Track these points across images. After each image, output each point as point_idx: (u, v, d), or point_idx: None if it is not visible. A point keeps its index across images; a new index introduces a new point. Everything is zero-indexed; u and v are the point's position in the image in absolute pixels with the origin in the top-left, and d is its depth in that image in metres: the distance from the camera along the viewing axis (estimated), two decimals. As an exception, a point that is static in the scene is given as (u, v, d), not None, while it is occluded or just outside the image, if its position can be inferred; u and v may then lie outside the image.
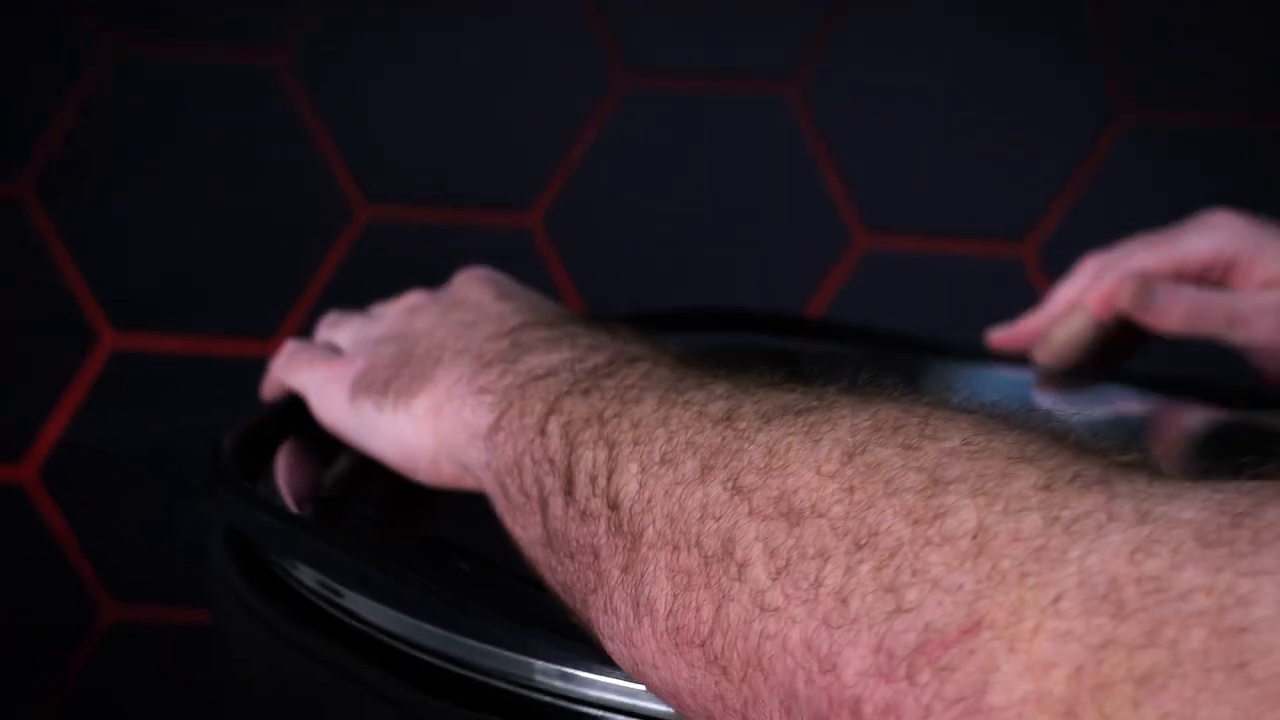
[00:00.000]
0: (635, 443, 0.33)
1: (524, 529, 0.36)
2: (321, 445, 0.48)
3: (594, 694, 0.35)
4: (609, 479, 0.33)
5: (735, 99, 0.75)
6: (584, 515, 0.33)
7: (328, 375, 0.45)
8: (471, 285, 0.46)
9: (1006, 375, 0.62)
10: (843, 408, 0.30)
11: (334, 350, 0.47)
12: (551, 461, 0.35)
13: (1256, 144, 0.76)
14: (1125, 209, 0.76)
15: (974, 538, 0.25)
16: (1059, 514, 0.24)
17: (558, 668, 0.35)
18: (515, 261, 0.74)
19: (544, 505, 0.35)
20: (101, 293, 0.75)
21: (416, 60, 0.75)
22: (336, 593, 0.39)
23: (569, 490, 0.34)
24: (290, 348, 0.48)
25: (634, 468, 0.32)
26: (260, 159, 0.76)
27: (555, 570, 0.34)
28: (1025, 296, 0.74)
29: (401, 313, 0.47)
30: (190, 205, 0.75)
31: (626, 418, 0.34)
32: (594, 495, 0.33)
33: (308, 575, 0.40)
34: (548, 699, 0.35)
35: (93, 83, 0.74)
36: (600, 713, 0.35)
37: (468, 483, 0.41)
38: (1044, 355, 0.59)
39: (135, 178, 0.75)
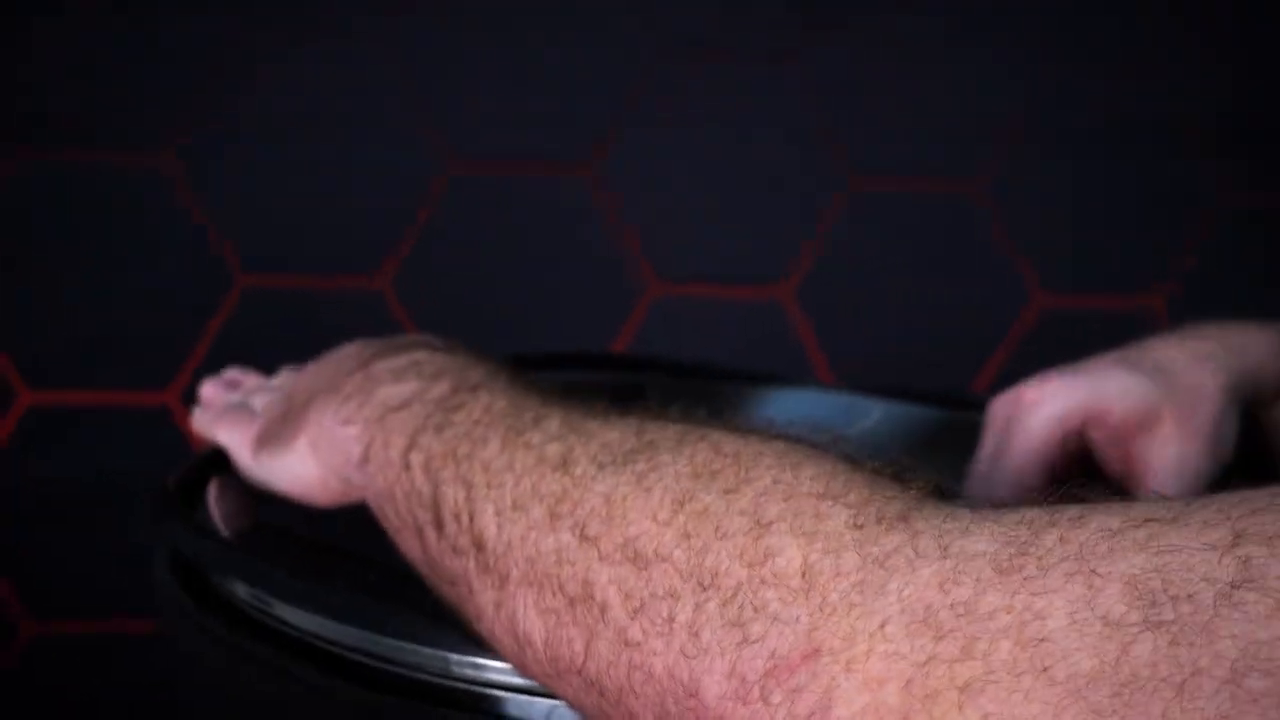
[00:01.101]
0: (489, 485, 0.37)
1: (408, 550, 0.41)
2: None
3: (495, 677, 0.39)
4: (471, 520, 0.37)
5: (543, 179, 0.92)
6: (455, 550, 0.37)
7: (240, 439, 0.53)
8: (348, 344, 0.52)
9: (792, 395, 0.71)
10: (663, 452, 0.33)
11: (248, 409, 0.55)
12: (419, 495, 0.39)
13: (948, 211, 0.95)
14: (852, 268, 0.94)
15: (802, 575, 0.28)
16: (872, 551, 0.27)
17: (467, 658, 0.39)
18: (370, 320, 0.90)
19: (420, 534, 0.39)
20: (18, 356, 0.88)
21: (285, 154, 0.90)
22: (267, 603, 0.45)
23: (439, 525, 0.38)
24: (219, 408, 0.56)
25: (490, 510, 0.36)
26: (145, 242, 0.90)
27: (440, 591, 0.39)
28: (781, 329, 0.91)
29: (288, 379, 0.55)
30: (94, 280, 0.89)
31: (477, 459, 0.38)
32: (460, 532, 0.37)
33: (241, 589, 0.46)
34: (458, 684, 0.40)
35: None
36: (497, 692, 0.39)
37: (354, 497, 0.46)
38: None
39: (46, 261, 0.89)
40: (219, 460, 0.55)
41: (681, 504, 0.31)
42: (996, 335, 0.95)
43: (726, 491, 0.31)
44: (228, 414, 0.55)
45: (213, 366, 0.80)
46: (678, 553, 0.30)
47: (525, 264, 0.92)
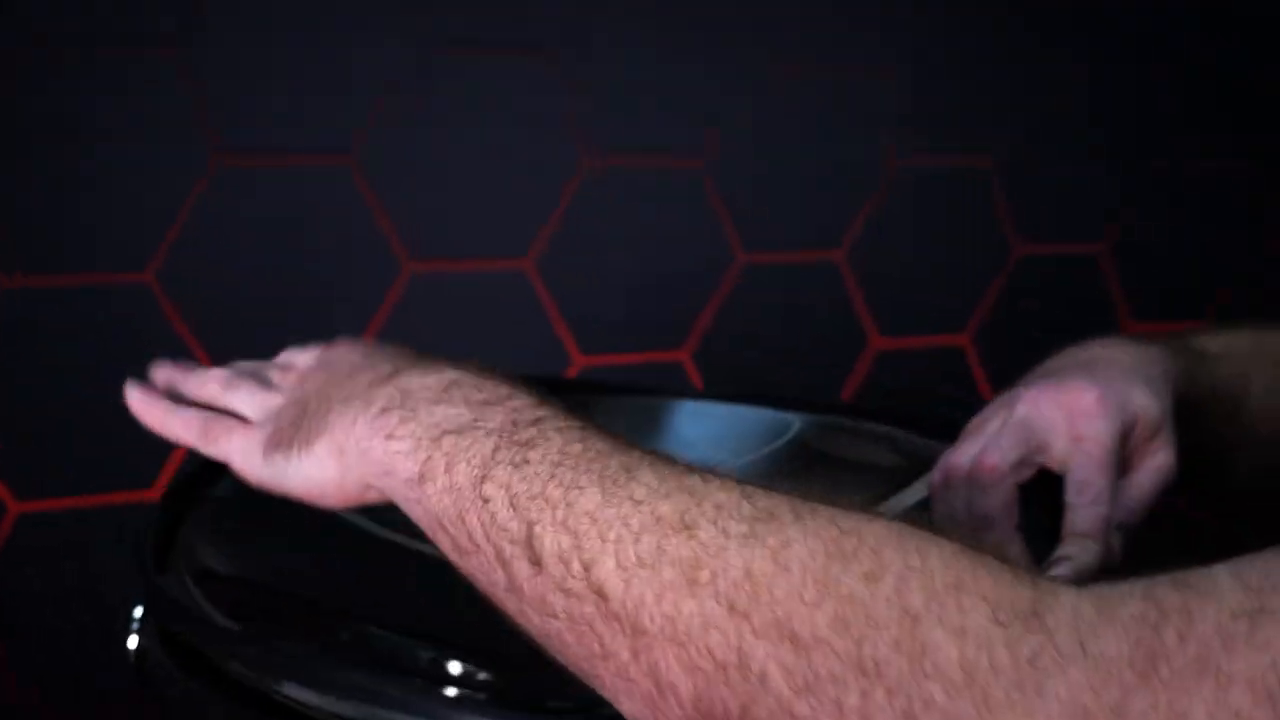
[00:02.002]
0: (601, 538, 0.38)
1: (482, 574, 0.42)
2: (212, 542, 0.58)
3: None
4: (587, 569, 0.38)
5: (304, 169, 0.96)
6: (564, 590, 0.39)
7: (245, 444, 0.53)
8: (342, 348, 0.55)
9: (709, 409, 0.76)
10: (788, 525, 0.36)
11: (239, 418, 0.55)
12: (505, 530, 0.40)
13: (671, 185, 1.07)
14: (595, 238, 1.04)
15: (961, 670, 0.31)
16: (1021, 650, 0.31)
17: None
18: (139, 315, 0.93)
19: (505, 564, 0.41)
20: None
21: (50, 152, 0.90)
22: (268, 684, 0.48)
23: (536, 562, 0.39)
24: (201, 422, 0.55)
25: (610, 563, 0.37)
26: None
27: (531, 620, 0.41)
28: (528, 299, 1.01)
29: (295, 383, 0.55)
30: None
31: (579, 508, 0.39)
32: (571, 577, 0.38)
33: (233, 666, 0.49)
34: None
35: None
36: None
37: (370, 498, 0.49)
38: (1069, 576, 0.55)
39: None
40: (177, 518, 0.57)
41: (826, 587, 0.33)
42: (709, 290, 1.09)
43: (867, 578, 0.33)
44: (219, 425, 0.55)
45: None
46: (835, 639, 0.32)
47: (289, 250, 0.97)
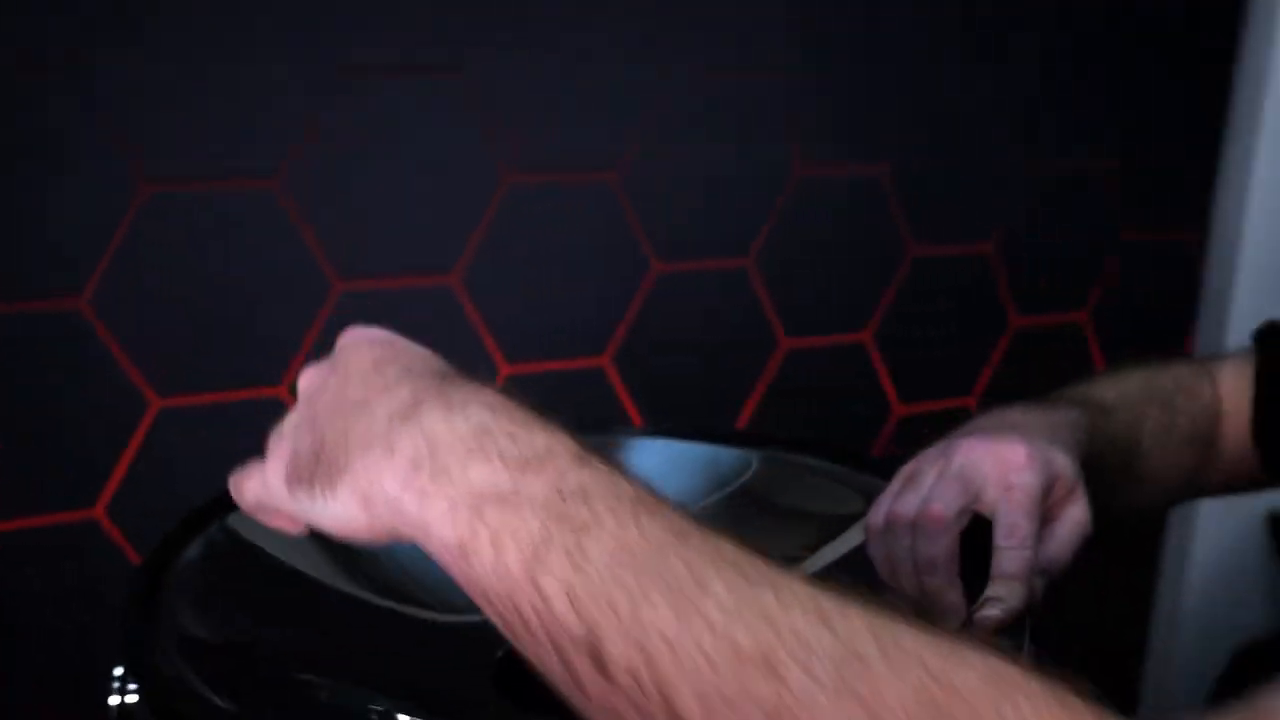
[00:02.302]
0: (677, 664, 0.37)
1: (535, 656, 0.41)
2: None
3: None
4: (663, 693, 0.38)
5: (233, 192, 0.99)
6: (639, 708, 0.38)
7: (265, 475, 0.51)
8: (352, 353, 0.52)
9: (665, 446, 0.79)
10: (878, 673, 0.36)
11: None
12: (565, 628, 0.39)
13: (589, 198, 1.11)
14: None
15: None
16: None
17: None
18: (70, 337, 0.95)
19: (566, 661, 0.40)
20: None
21: None
22: None
23: (602, 669, 0.39)
24: (233, 479, 0.54)
25: (688, 692, 0.37)
26: None
27: (589, 708, 0.40)
28: (454, 312, 1.04)
29: (307, 398, 0.52)
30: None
31: (649, 625, 0.38)
32: (645, 696, 0.38)
33: None
34: None
35: None
36: None
37: (403, 540, 0.46)
38: (999, 619, 0.59)
39: None
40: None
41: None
42: (625, 298, 1.13)
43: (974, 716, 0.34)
44: (243, 470, 0.54)
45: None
46: None
47: (221, 274, 0.99)
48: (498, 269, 1.08)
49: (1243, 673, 0.87)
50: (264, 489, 0.52)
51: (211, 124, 0.97)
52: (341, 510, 0.47)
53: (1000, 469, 0.62)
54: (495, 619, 0.42)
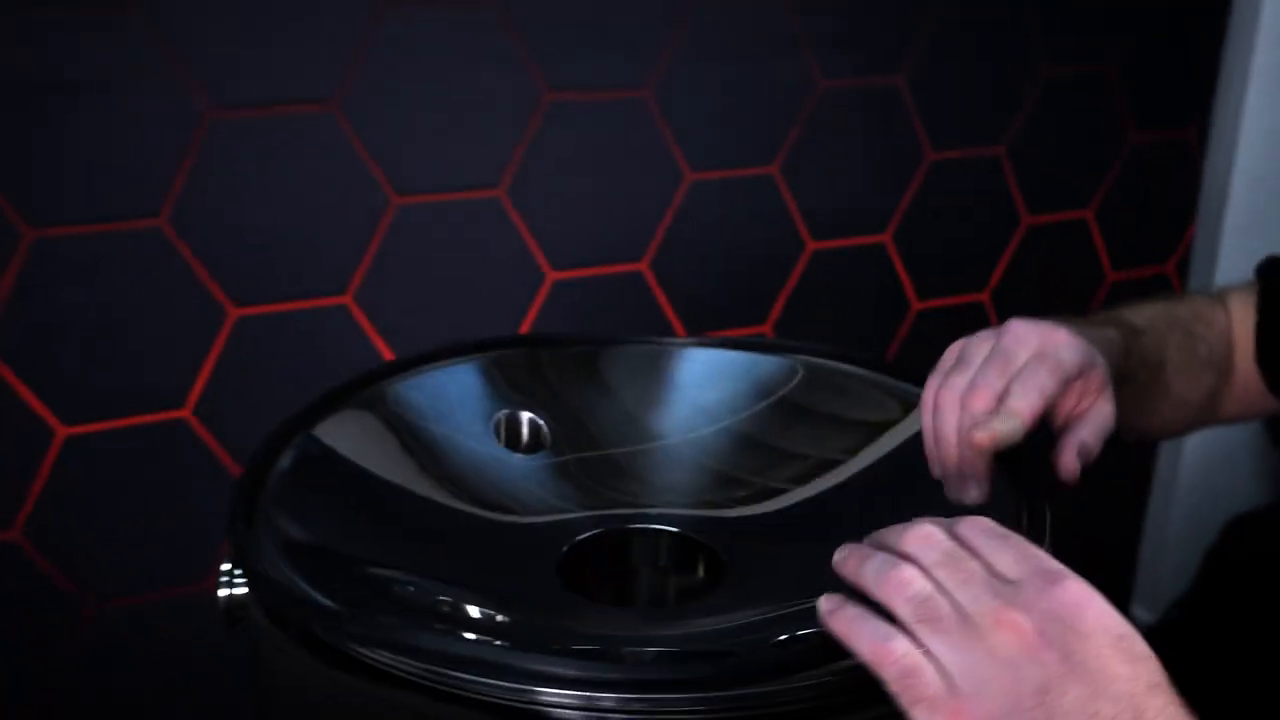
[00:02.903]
0: None
1: None
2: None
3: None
4: None
5: (295, 116, 1.06)
6: None
7: (904, 688, 0.47)
8: (1083, 645, 0.46)
9: (712, 355, 0.81)
10: None
11: (928, 655, 0.47)
12: None
13: (623, 113, 1.18)
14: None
15: None
16: None
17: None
18: (154, 254, 1.02)
19: None
20: None
21: (51, 113, 0.98)
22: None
23: None
24: (882, 646, 0.49)
25: None
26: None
27: None
28: (503, 224, 1.12)
29: (1027, 677, 0.46)
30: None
31: None
32: None
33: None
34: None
35: None
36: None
37: None
38: (984, 441, 0.63)
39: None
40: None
41: None
42: (660, 207, 1.21)
43: None
44: (908, 664, 0.48)
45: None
46: None
47: (284, 192, 1.07)
48: (541, 182, 1.15)
49: (1230, 546, 0.95)
50: (899, 688, 0.48)
51: (274, 53, 1.03)
52: None
53: (1042, 343, 0.66)
54: None
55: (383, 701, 0.51)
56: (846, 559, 0.53)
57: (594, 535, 0.69)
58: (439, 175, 1.12)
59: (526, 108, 1.13)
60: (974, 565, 0.49)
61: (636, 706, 0.49)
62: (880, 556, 0.51)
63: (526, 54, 1.11)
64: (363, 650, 0.52)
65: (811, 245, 1.27)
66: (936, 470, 0.67)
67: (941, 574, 0.49)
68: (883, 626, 0.49)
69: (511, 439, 0.77)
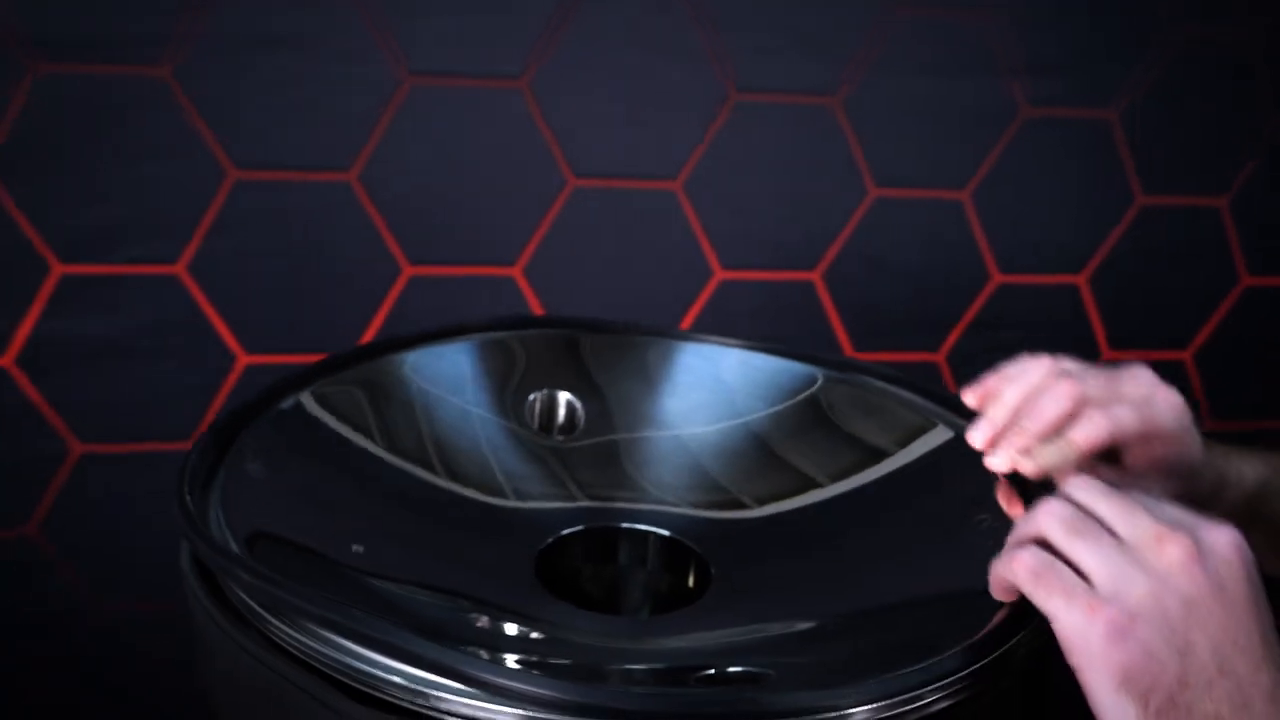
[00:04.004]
0: None
1: None
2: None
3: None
4: None
5: (486, 89, 1.11)
6: None
7: (1093, 633, 0.46)
8: (1234, 578, 0.47)
9: (738, 355, 0.79)
10: None
11: (1079, 575, 0.48)
12: None
13: (808, 118, 1.18)
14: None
15: None
16: None
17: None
18: (340, 205, 1.10)
19: None
20: None
21: (267, 65, 1.07)
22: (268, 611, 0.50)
23: None
24: (1035, 560, 0.49)
25: None
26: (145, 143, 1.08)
27: None
28: (676, 216, 1.14)
29: (1177, 591, 0.47)
30: (104, 175, 1.07)
31: None
32: None
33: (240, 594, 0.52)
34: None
35: None
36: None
37: None
38: (1033, 470, 0.62)
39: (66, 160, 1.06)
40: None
41: None
42: (841, 218, 1.20)
43: None
44: (1059, 580, 0.49)
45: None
46: None
47: (469, 163, 1.12)
48: (719, 180, 1.17)
49: None
50: (1079, 638, 0.48)
51: (469, 25, 1.09)
52: None
53: (1155, 393, 0.64)
54: None
55: (268, 665, 0.49)
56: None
57: (579, 531, 0.66)
58: (617, 162, 1.15)
59: (711, 105, 1.15)
60: (1135, 501, 0.51)
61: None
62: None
63: (716, 51, 1.13)
64: (250, 601, 0.50)
65: (998, 278, 1.23)
66: (978, 438, 0.64)
67: (1102, 506, 0.51)
68: (1027, 546, 0.51)
69: (546, 419, 0.75)
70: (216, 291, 1.11)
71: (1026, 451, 0.62)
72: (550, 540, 0.66)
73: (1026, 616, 0.52)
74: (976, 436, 0.63)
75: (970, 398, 0.65)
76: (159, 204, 1.08)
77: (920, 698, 0.48)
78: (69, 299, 1.09)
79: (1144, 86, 1.20)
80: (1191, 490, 0.66)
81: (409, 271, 1.14)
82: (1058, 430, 0.61)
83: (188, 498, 0.56)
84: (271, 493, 0.62)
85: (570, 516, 0.68)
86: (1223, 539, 0.48)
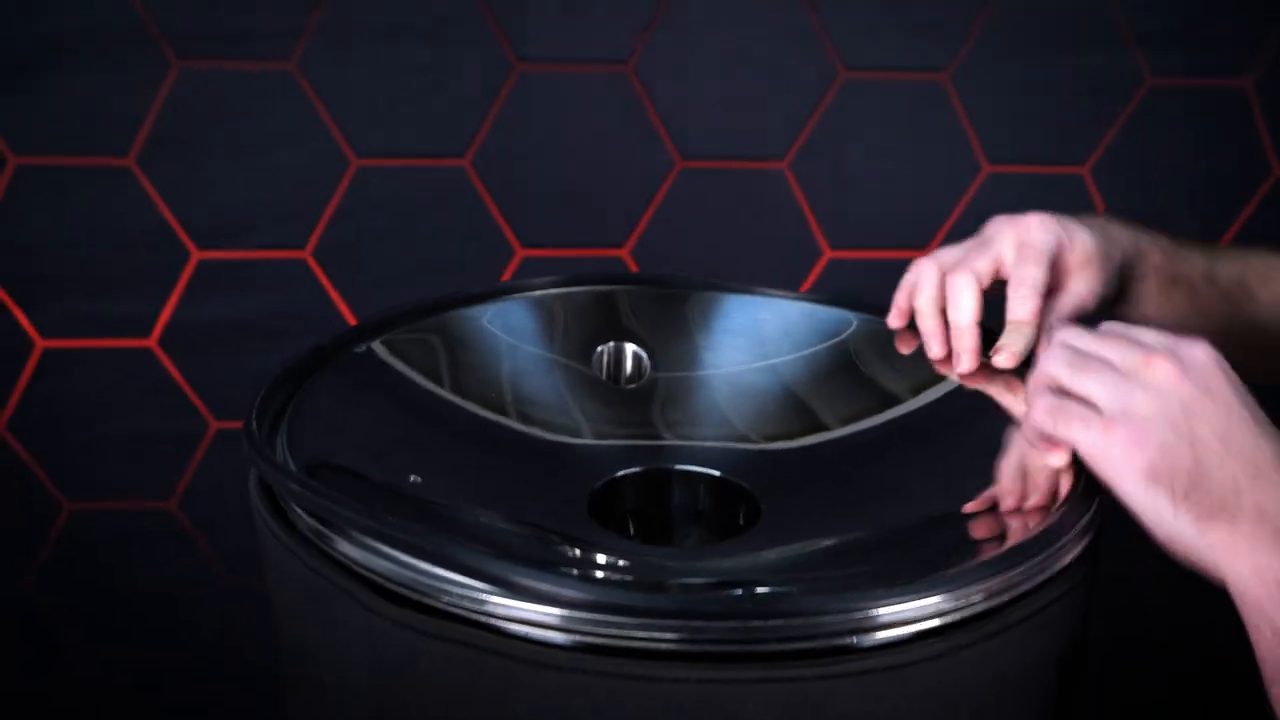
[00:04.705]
0: None
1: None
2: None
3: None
4: None
5: (592, 74, 1.14)
6: None
7: (1114, 447, 0.53)
8: (1216, 380, 0.53)
9: (774, 304, 0.80)
10: None
11: (1087, 403, 0.54)
12: None
13: (918, 95, 1.17)
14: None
15: None
16: None
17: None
18: (455, 190, 1.14)
19: None
20: None
21: (388, 54, 1.12)
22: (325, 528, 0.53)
23: None
24: (1049, 402, 0.56)
25: None
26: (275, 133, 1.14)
27: None
28: (783, 195, 1.14)
29: (1182, 405, 0.53)
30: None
31: None
32: None
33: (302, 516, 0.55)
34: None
35: None
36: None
37: (1206, 570, 0.52)
38: (1007, 362, 0.66)
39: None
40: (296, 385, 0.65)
41: None
42: (953, 196, 1.18)
43: None
44: (1072, 412, 0.55)
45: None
46: None
47: (579, 147, 1.15)
48: (828, 159, 1.17)
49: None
50: (1105, 456, 0.54)
51: (577, 12, 1.12)
52: (1195, 540, 0.52)
53: (1017, 231, 0.69)
54: (1271, 642, 0.52)
55: (322, 575, 0.51)
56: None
57: (633, 473, 0.68)
58: (725, 143, 1.16)
59: (820, 84, 1.15)
60: (1119, 335, 0.57)
61: (580, 626, 0.46)
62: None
63: (824, 30, 1.14)
64: (306, 517, 0.53)
65: (1122, 254, 1.19)
66: (934, 350, 0.70)
67: (1092, 345, 0.57)
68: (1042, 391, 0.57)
69: (613, 370, 0.77)
70: (340, 275, 1.17)
71: (992, 351, 0.67)
72: (604, 481, 0.67)
73: (1070, 523, 0.54)
74: (934, 348, 0.69)
75: (894, 320, 0.73)
76: (287, 191, 1.14)
77: (969, 596, 0.49)
78: (205, 283, 1.16)
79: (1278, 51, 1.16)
80: (1128, 272, 0.73)
81: (521, 254, 1.17)
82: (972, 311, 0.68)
83: (254, 426, 0.59)
84: (337, 428, 0.64)
85: (624, 459, 0.69)
86: (1199, 352, 0.54)
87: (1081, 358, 0.56)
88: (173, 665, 1.24)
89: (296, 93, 1.12)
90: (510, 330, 0.78)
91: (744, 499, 0.67)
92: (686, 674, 0.45)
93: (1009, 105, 1.16)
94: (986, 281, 0.69)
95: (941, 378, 0.70)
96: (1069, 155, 1.18)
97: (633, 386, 0.76)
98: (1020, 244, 0.68)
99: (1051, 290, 0.69)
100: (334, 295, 1.17)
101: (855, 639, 0.47)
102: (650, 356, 0.77)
